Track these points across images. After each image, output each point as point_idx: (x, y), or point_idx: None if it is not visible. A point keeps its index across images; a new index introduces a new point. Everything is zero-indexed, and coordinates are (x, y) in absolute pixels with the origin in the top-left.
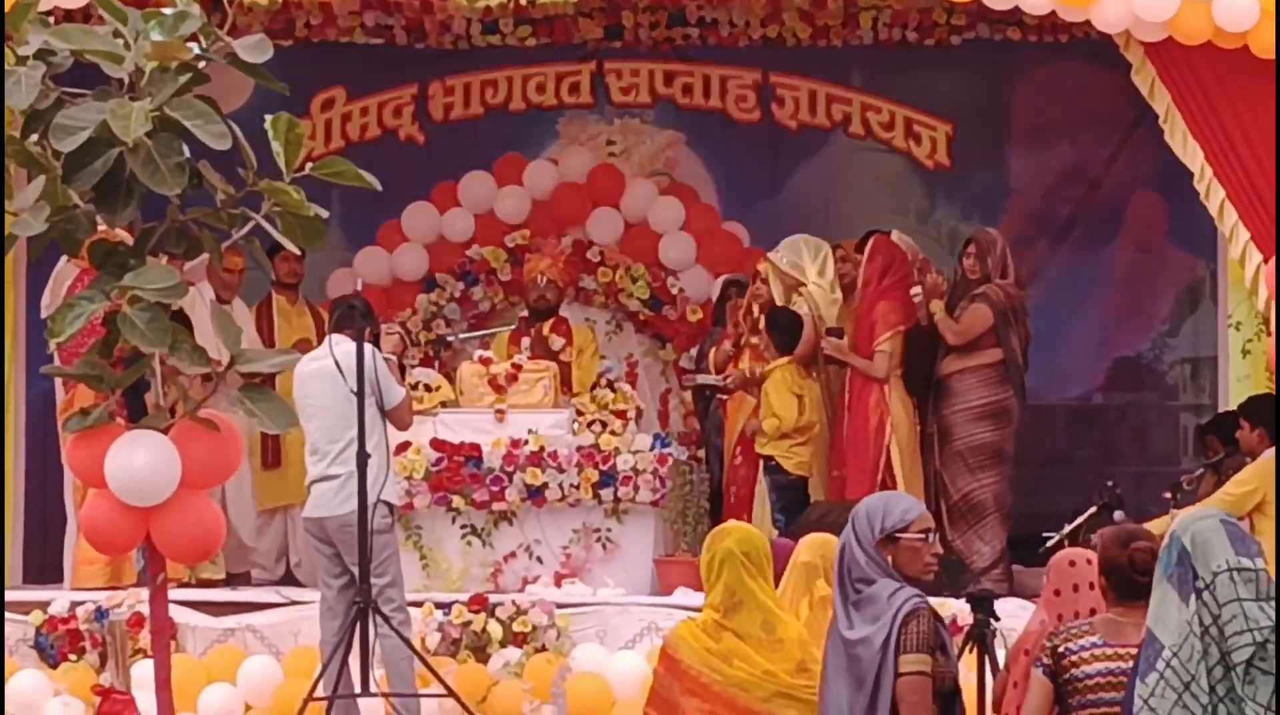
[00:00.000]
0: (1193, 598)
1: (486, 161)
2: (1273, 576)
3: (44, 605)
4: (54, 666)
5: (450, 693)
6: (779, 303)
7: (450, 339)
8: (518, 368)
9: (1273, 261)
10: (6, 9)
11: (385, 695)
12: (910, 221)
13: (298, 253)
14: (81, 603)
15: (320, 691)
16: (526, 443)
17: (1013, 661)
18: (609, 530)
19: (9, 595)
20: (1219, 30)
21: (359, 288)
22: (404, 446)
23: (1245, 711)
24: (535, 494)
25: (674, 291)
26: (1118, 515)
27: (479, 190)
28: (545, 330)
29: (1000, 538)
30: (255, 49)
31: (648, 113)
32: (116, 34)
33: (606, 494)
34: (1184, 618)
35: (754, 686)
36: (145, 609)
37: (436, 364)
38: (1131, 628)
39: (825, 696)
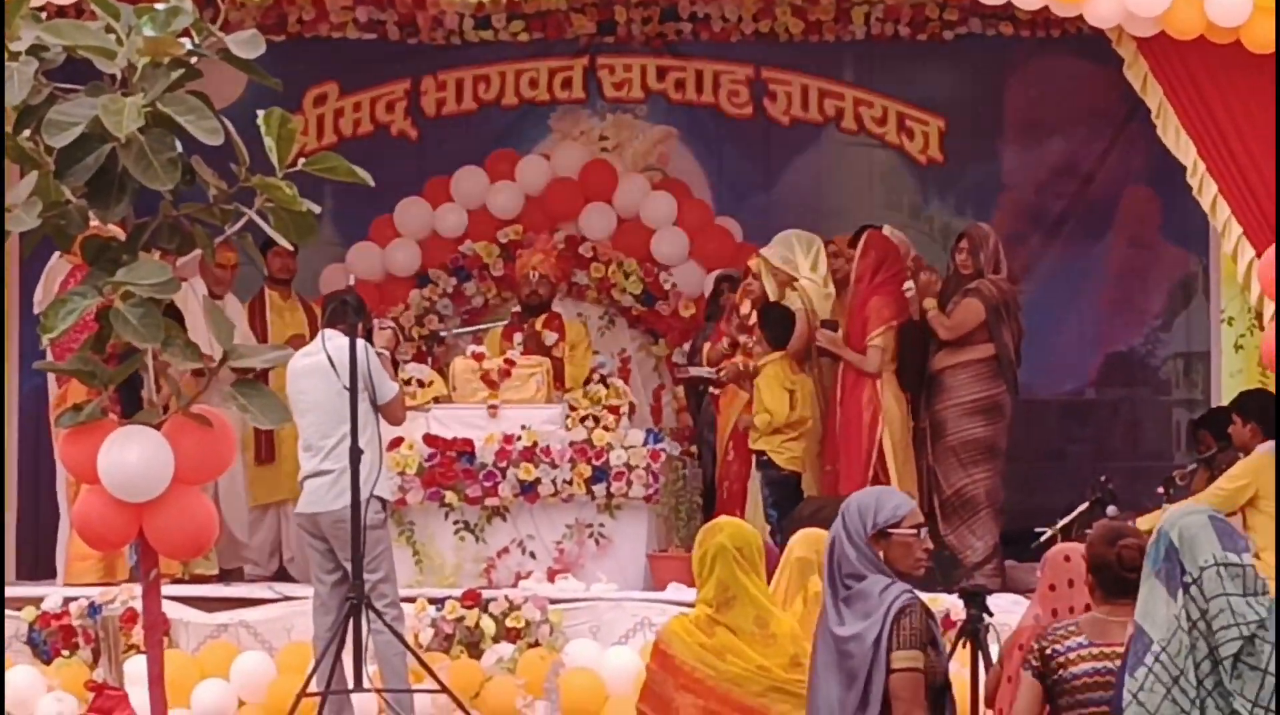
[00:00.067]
0: (1180, 593)
1: (479, 157)
2: (1260, 573)
3: (37, 601)
4: (47, 662)
5: (443, 688)
6: (772, 298)
7: (443, 334)
8: (510, 363)
9: (1270, 256)
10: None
11: (378, 691)
12: (903, 216)
13: (290, 248)
14: (75, 598)
15: (313, 687)
16: (519, 438)
17: (1006, 656)
18: (602, 526)
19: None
20: (1211, 25)
21: (352, 283)
22: (397, 442)
23: (1234, 705)
24: (528, 489)
25: (667, 287)
26: (1110, 510)
27: (472, 185)
28: (538, 326)
29: (993, 533)
30: (248, 44)
31: (640, 108)
32: (109, 29)
33: (599, 489)
34: (1172, 612)
35: (748, 681)
36: (138, 605)
37: (429, 359)
38: (1117, 626)
39: (815, 693)
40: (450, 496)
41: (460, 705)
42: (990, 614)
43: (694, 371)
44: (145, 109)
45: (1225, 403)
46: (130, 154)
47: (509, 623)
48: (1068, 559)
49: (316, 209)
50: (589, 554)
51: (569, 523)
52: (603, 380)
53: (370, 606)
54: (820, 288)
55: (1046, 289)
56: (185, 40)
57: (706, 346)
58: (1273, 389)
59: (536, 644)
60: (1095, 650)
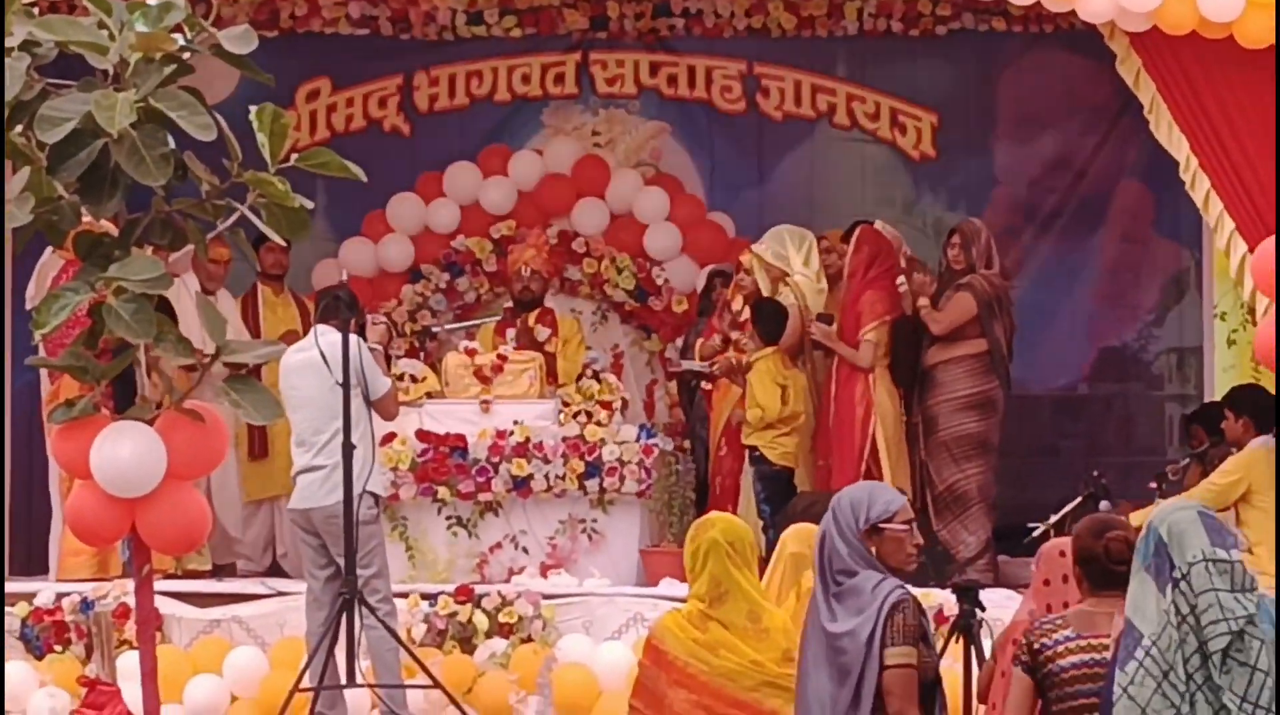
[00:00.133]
0: (1170, 588)
1: (472, 152)
2: (1249, 569)
3: (30, 597)
4: (40, 658)
5: (436, 684)
6: (764, 294)
7: (435, 330)
8: (503, 359)
9: (1263, 252)
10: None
11: (371, 686)
12: (895, 212)
13: (283, 244)
14: (67, 594)
15: (306, 682)
16: (512, 434)
17: (1000, 651)
18: (595, 521)
19: None
20: (1204, 20)
21: (344, 279)
22: (389, 437)
23: (1223, 700)
24: (521, 485)
25: (659, 282)
26: (1103, 506)
27: (464, 181)
28: (530, 321)
29: (985, 528)
30: (240, 40)
31: (633, 103)
32: (101, 25)
33: (592, 485)
34: (1162, 607)
35: (741, 676)
36: (131, 600)
37: (422, 355)
38: (1103, 618)
39: (804, 687)
40: (443, 492)
41: (453, 700)
42: (983, 609)
43: (687, 365)
44: (137, 104)
45: (1218, 398)
46: (122, 149)
47: (502, 618)
48: (1063, 554)
49: (309, 204)
50: (582, 549)
51: (562, 518)
52: (595, 375)
53: (363, 602)
54: (812, 283)
55: (1039, 284)
56: (177, 36)
57: (699, 342)
58: (1265, 383)
59: (529, 639)
60: (1083, 642)
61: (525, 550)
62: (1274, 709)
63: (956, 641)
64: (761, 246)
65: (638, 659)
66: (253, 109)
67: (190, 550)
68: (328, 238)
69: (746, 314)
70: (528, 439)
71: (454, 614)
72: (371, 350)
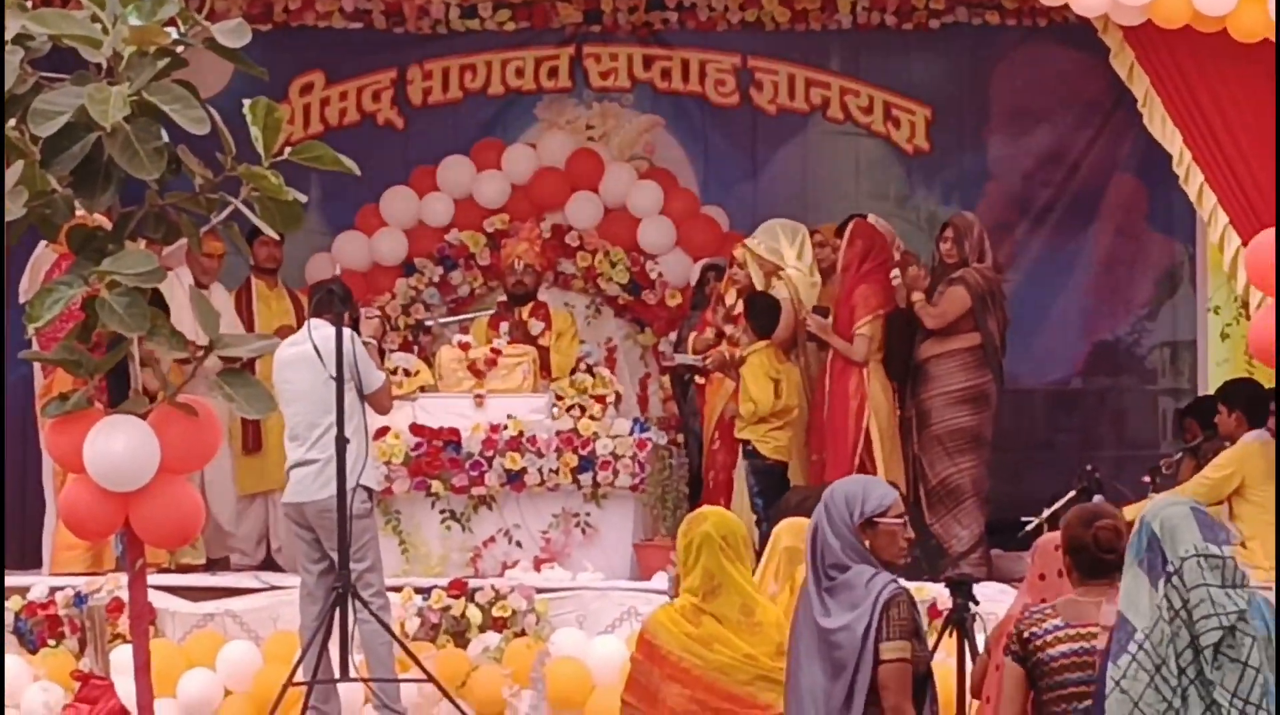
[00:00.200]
0: (1162, 582)
1: (465, 146)
2: (1241, 565)
3: (23, 591)
4: (33, 652)
5: (429, 678)
6: (758, 288)
7: (429, 324)
8: (497, 352)
9: (1259, 244)
10: None
11: (364, 680)
12: (889, 205)
13: (276, 237)
14: (61, 588)
15: (300, 676)
16: (505, 427)
17: (994, 645)
18: (588, 515)
19: None
20: (1197, 14)
21: (338, 272)
22: (383, 431)
23: (1214, 695)
24: (514, 479)
25: (653, 276)
26: (1097, 499)
27: (458, 175)
28: (524, 315)
29: (978, 522)
30: (234, 33)
31: (626, 97)
32: (94, 18)
33: (585, 479)
34: (1154, 602)
35: (735, 670)
36: (124, 594)
37: (415, 349)
38: (1091, 607)
39: (796, 681)
40: (436, 486)
41: (446, 695)
42: (977, 603)
43: (680, 359)
44: (131, 98)
45: (1211, 392)
46: (116, 143)
47: (495, 612)
48: (1058, 548)
49: (303, 198)
50: (575, 543)
51: (555, 512)
52: (589, 369)
53: (356, 596)
54: (806, 277)
55: (1033, 278)
56: (171, 29)
57: (692, 336)
58: (1259, 377)
59: (523, 633)
60: (1072, 631)
61: (519, 544)
62: (1265, 705)
63: (950, 636)
64: (754, 241)
65: (630, 654)
66: (246, 102)
67: (184, 544)
68: (321, 231)
69: (740, 308)
70: (521, 433)
71: (447, 608)
72: (365, 344)
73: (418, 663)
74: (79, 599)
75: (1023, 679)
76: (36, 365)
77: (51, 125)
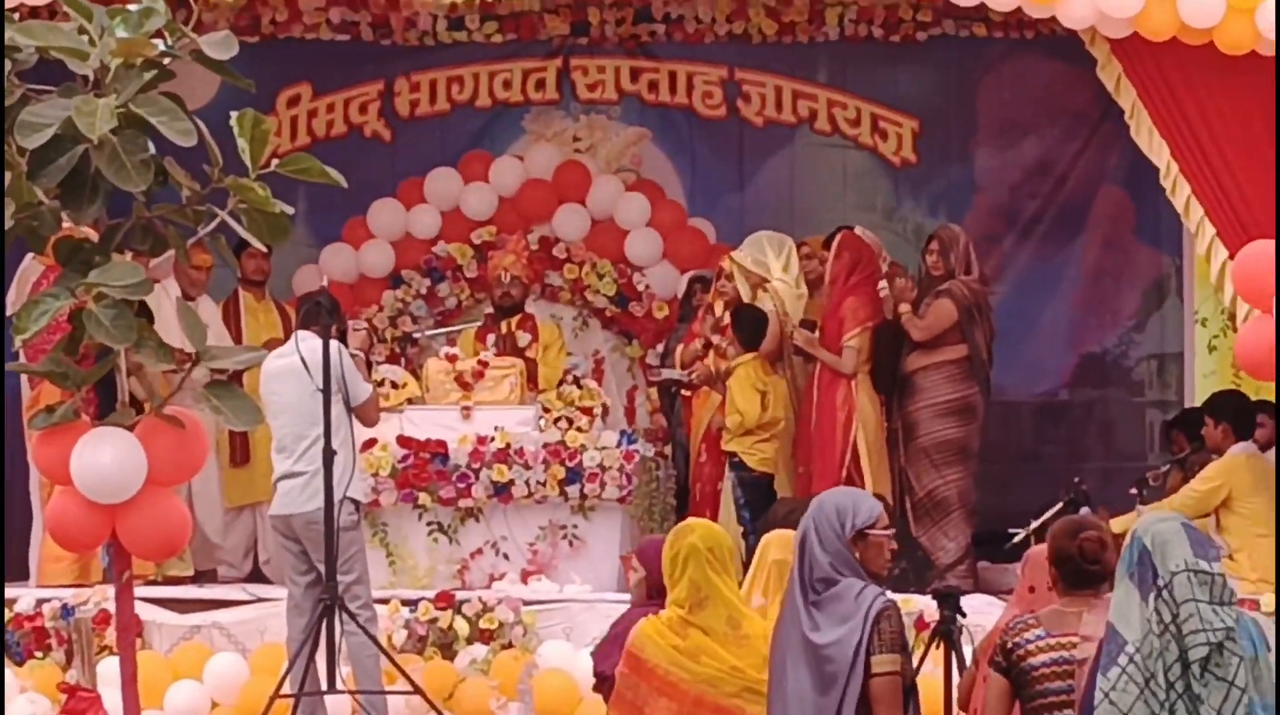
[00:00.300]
0: (1153, 596)
1: (453, 158)
2: (1229, 583)
3: (10, 603)
4: (20, 664)
5: (417, 690)
6: (744, 300)
7: (416, 336)
8: (484, 364)
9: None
10: None
11: (352, 692)
12: (876, 217)
13: (264, 249)
14: (47, 600)
15: (287, 689)
16: (493, 439)
17: (982, 657)
18: (575, 527)
19: None
20: (1184, 26)
21: (325, 284)
22: (370, 443)
23: (1200, 711)
24: (502, 491)
25: (640, 288)
26: (1084, 512)
27: (445, 187)
28: (511, 327)
29: (965, 534)
30: (221, 45)
31: (614, 109)
32: (82, 30)
33: (573, 491)
34: (1145, 615)
35: (722, 683)
36: (111, 606)
37: (403, 361)
38: (1073, 617)
39: (781, 691)
40: (423, 498)
41: (434, 707)
42: (964, 615)
43: (666, 374)
44: (118, 110)
45: (1199, 404)
46: (103, 155)
47: (482, 624)
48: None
49: (290, 210)
50: (562, 555)
51: (542, 524)
52: (576, 381)
53: (343, 608)
54: (792, 289)
55: (1020, 290)
56: (158, 41)
57: (679, 347)
58: (1245, 389)
59: (510, 645)
60: (1053, 641)
61: (506, 556)
62: None
63: (937, 648)
64: (741, 253)
65: (617, 668)
66: (233, 114)
67: (170, 556)
68: (309, 243)
69: (728, 320)
70: (508, 445)
71: (434, 620)
72: (352, 356)
73: (405, 675)
74: (66, 611)
75: (1007, 691)
76: (23, 377)
77: (39, 137)
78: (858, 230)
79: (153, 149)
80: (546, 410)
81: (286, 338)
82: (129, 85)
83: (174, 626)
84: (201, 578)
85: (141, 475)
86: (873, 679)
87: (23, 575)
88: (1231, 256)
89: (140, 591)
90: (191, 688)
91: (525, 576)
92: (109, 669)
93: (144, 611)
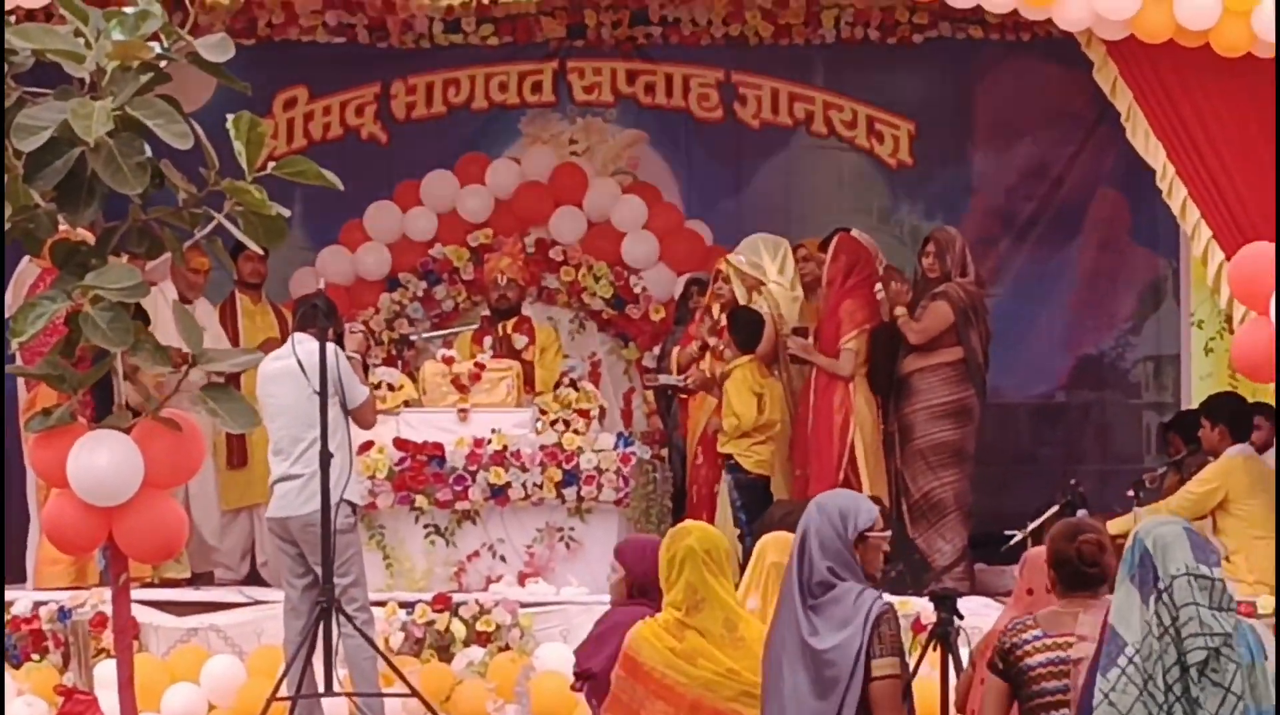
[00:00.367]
0: (1153, 598)
1: (449, 160)
2: (1229, 588)
3: (7, 605)
4: (17, 667)
5: (414, 692)
6: (741, 302)
7: (413, 338)
8: (481, 367)
9: (1246, 259)
10: None
11: (349, 695)
12: (873, 220)
13: (260, 252)
14: (45, 603)
15: (284, 691)
16: (490, 442)
17: (979, 659)
18: (572, 529)
19: None
20: (1180, 29)
21: (322, 287)
22: (367, 446)
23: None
24: (498, 493)
25: (637, 290)
26: (1081, 514)
27: (441, 189)
28: (508, 329)
29: (961, 536)
30: (217, 48)
31: (610, 111)
32: (78, 33)
33: (570, 493)
34: (1145, 617)
35: (719, 686)
36: (108, 609)
37: (399, 363)
38: (1069, 618)
39: (776, 691)
40: (420, 500)
41: (431, 709)
42: (961, 617)
43: (663, 380)
44: (114, 113)
45: (1195, 406)
46: (99, 158)
47: (479, 626)
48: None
49: (286, 213)
50: (559, 557)
51: (539, 526)
52: (573, 384)
53: (340, 610)
54: (787, 291)
55: (1016, 292)
56: (154, 44)
57: (676, 350)
58: (1242, 392)
59: (507, 648)
60: (1049, 641)
61: (503, 559)
62: None
63: (934, 650)
64: (737, 256)
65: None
66: (230, 117)
67: (167, 559)
68: (305, 246)
69: (724, 322)
70: (505, 447)
71: (431, 622)
72: (349, 359)
73: (402, 677)
74: (63, 614)
75: (1005, 693)
76: (20, 380)
77: (35, 140)
78: (855, 232)
79: (149, 152)
80: (543, 412)
81: (283, 340)
82: (125, 88)
83: (171, 629)
84: (198, 580)
85: (138, 478)
86: (873, 682)
87: (20, 578)
88: (1228, 258)
89: (137, 594)
90: (188, 690)
91: (522, 579)
92: (106, 671)
93: (141, 614)
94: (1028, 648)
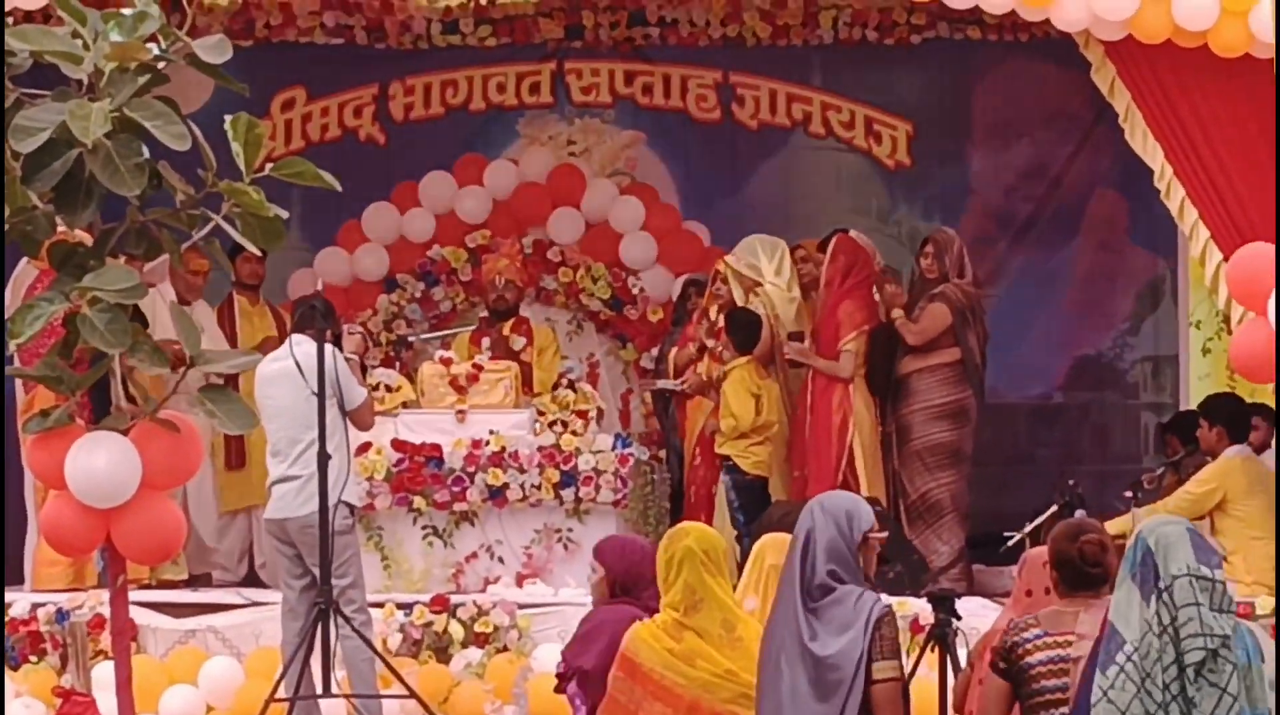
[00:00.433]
0: (1153, 598)
1: (447, 161)
2: (1230, 590)
3: (5, 607)
4: (15, 668)
5: (412, 694)
6: (738, 303)
7: (411, 339)
8: (479, 368)
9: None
10: None
11: (347, 696)
12: (871, 221)
13: (258, 253)
14: (42, 604)
15: (282, 693)
16: (488, 443)
17: (977, 659)
18: (570, 530)
19: None
20: (1178, 29)
21: (320, 288)
22: (365, 447)
23: (1192, 714)
24: (496, 494)
25: (635, 291)
26: (1078, 514)
27: (439, 190)
28: (506, 330)
29: (958, 537)
30: (215, 49)
31: (608, 112)
32: (75, 35)
33: (568, 494)
34: (1145, 616)
35: (717, 687)
36: (106, 610)
37: (397, 364)
38: (1069, 617)
39: (774, 690)
40: (418, 501)
41: (429, 710)
42: (959, 618)
43: (660, 384)
44: (112, 114)
45: (1193, 406)
46: (97, 159)
47: (477, 628)
48: (1047, 564)
49: (284, 214)
50: (557, 559)
51: (537, 527)
52: (571, 385)
53: (338, 612)
54: (784, 292)
55: (1014, 293)
56: (152, 45)
57: (673, 351)
58: (1241, 392)
59: (505, 649)
60: (1050, 640)
61: (501, 560)
62: None
63: (932, 650)
64: (734, 257)
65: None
66: (227, 118)
67: (164, 560)
68: (303, 247)
69: (722, 323)
70: (503, 448)
71: (429, 624)
72: (347, 360)
73: (400, 679)
74: (61, 615)
75: (1006, 693)
76: (18, 381)
77: (33, 142)
78: (853, 233)
79: (147, 153)
80: (541, 414)
81: (281, 341)
82: (123, 89)
83: (169, 631)
84: (196, 582)
85: (136, 479)
86: (874, 685)
87: (17, 579)
88: (1226, 259)
89: (135, 596)
90: (186, 692)
91: (520, 580)
92: (104, 673)
93: (139, 616)
94: (1029, 646)
